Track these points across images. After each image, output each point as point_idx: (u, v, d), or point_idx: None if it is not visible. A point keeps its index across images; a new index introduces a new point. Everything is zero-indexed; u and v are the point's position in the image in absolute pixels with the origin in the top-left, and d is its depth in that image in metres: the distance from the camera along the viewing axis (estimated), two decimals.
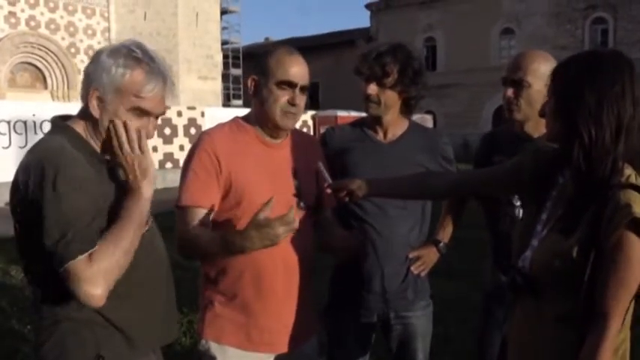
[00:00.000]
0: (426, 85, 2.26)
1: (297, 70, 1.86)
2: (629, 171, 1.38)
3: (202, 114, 15.02)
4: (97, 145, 1.55)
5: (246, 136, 1.91)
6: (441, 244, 2.39)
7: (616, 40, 27.50)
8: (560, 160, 1.49)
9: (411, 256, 2.26)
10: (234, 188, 1.83)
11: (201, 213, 1.81)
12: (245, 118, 1.97)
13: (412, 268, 2.26)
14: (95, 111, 1.51)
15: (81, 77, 1.55)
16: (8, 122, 11.21)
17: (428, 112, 25.76)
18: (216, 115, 14.30)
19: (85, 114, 1.54)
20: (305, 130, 17.72)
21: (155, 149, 13.74)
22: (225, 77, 30.43)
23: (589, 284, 1.35)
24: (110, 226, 1.45)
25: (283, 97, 1.84)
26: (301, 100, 1.88)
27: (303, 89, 1.88)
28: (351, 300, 2.27)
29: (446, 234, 2.46)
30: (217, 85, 27.38)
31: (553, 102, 1.47)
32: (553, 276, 1.43)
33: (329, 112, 19.04)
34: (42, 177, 1.38)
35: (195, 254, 1.82)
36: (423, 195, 2.04)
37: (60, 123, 1.57)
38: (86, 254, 1.36)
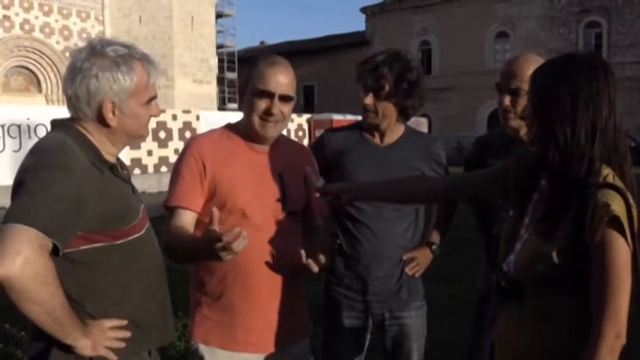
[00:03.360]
0: (423, 95, 2.27)
1: (276, 80, 1.86)
2: (606, 171, 1.39)
3: (197, 117, 14.98)
4: (103, 148, 1.55)
5: (234, 141, 1.95)
6: (435, 246, 2.42)
7: (610, 43, 27.66)
8: (541, 162, 1.49)
9: (405, 257, 2.30)
10: (218, 191, 1.87)
11: (187, 214, 1.87)
12: (236, 124, 2.01)
13: (406, 270, 2.30)
14: (113, 121, 1.52)
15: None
16: (2, 126, 11.17)
17: (423, 115, 25.78)
18: (211, 118, 14.26)
19: (88, 120, 1.53)
20: (300, 133, 17.71)
21: (150, 153, 13.73)
22: (220, 81, 30.45)
23: (581, 286, 1.35)
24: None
25: (260, 106, 1.87)
26: (282, 108, 1.88)
27: (284, 98, 1.88)
28: (346, 301, 2.29)
29: (438, 236, 2.48)
30: (212, 88, 27.40)
31: (530, 105, 1.48)
32: (535, 279, 1.43)
33: (324, 116, 19.04)
34: (31, 160, 1.40)
35: (179, 254, 1.84)
36: (411, 199, 2.06)
37: (63, 122, 1.56)
38: (37, 231, 1.28)
